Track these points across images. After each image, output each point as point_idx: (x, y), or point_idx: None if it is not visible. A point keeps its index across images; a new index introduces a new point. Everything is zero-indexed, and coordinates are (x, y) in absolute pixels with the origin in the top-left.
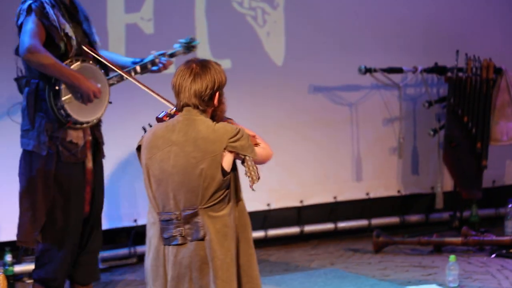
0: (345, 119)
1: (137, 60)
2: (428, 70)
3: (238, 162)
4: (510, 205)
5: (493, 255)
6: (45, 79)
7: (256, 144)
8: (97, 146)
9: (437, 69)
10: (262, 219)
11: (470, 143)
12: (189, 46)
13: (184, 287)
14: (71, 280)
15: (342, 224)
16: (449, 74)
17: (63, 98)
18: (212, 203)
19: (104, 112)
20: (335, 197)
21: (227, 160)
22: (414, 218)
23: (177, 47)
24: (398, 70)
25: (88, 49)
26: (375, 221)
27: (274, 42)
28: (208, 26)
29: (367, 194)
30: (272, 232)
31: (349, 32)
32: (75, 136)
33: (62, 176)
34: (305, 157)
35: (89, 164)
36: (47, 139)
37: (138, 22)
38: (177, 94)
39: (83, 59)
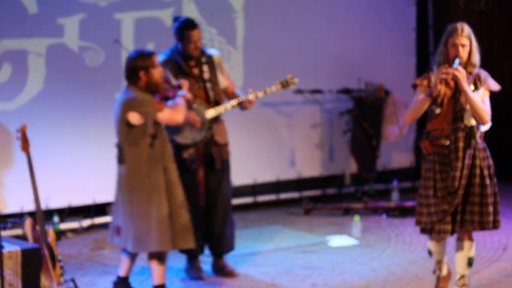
0: (284, 125)
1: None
2: (340, 91)
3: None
4: (394, 182)
5: (384, 216)
6: None
7: (161, 110)
8: (212, 159)
9: (346, 91)
10: None
11: (368, 140)
12: (288, 84)
13: (121, 189)
14: (211, 253)
15: (282, 195)
16: (354, 94)
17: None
18: (128, 141)
19: (207, 136)
20: (277, 177)
21: (132, 117)
22: (331, 191)
23: (274, 86)
24: (319, 91)
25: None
26: (305, 193)
27: (236, 73)
28: None
29: (299, 175)
30: (234, 201)
31: (287, 65)
32: (185, 153)
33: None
34: (257, 150)
35: (200, 173)
36: None
37: None
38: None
39: None
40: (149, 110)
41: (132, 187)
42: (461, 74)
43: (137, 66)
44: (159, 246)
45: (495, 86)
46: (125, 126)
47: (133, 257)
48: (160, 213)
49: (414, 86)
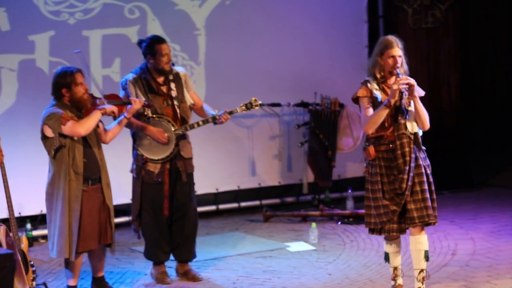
0: (245, 136)
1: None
2: (297, 105)
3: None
4: (349, 191)
5: (339, 223)
6: None
7: (64, 123)
8: (178, 173)
9: (303, 104)
10: None
11: (324, 151)
12: (252, 106)
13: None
14: (175, 258)
15: (243, 204)
16: (310, 107)
17: (137, 142)
18: (47, 151)
19: (173, 152)
20: (238, 186)
21: (45, 129)
22: (289, 199)
23: (239, 108)
24: (278, 105)
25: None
26: (265, 202)
27: (198, 86)
28: None
29: (259, 184)
30: (198, 209)
31: (247, 80)
32: (152, 166)
33: (145, 191)
34: (219, 160)
35: (166, 186)
36: (136, 167)
37: (110, 74)
38: None
39: (159, 116)
40: (52, 123)
41: (48, 195)
42: (414, 82)
43: (58, 84)
44: (59, 253)
45: (422, 92)
46: (42, 138)
47: (67, 263)
48: (62, 221)
49: (355, 100)
